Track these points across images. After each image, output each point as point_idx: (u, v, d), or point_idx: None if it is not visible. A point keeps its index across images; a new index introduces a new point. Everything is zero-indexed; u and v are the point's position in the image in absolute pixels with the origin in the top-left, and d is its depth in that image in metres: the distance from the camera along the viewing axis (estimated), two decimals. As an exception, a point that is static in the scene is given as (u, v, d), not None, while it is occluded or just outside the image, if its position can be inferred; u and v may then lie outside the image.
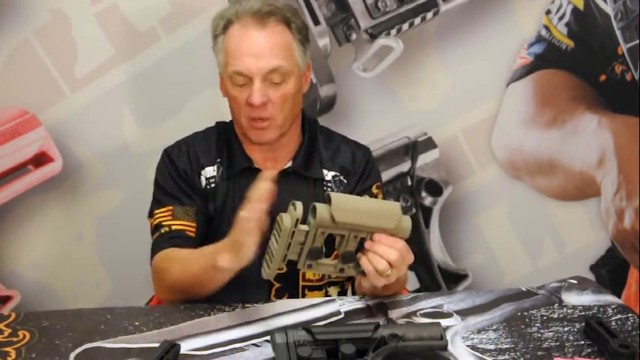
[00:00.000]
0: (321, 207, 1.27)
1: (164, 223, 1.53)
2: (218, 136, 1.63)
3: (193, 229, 1.54)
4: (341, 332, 1.21)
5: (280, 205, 1.58)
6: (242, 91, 1.50)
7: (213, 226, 1.60)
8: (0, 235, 2.12)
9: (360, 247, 1.32)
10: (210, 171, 1.60)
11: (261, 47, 1.48)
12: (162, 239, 1.52)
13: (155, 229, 1.55)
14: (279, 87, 1.50)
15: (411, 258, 1.34)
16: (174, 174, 1.58)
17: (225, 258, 1.29)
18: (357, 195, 1.61)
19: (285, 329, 1.21)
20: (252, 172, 1.59)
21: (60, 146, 2.08)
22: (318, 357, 1.17)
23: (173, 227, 1.53)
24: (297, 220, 1.26)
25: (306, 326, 1.22)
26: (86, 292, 2.19)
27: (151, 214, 1.58)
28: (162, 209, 1.56)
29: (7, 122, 2.05)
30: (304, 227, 1.27)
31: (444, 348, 1.24)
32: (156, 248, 1.52)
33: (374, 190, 1.64)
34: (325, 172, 1.62)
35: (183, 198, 1.56)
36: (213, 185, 1.59)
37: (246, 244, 1.25)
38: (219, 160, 1.60)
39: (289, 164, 1.60)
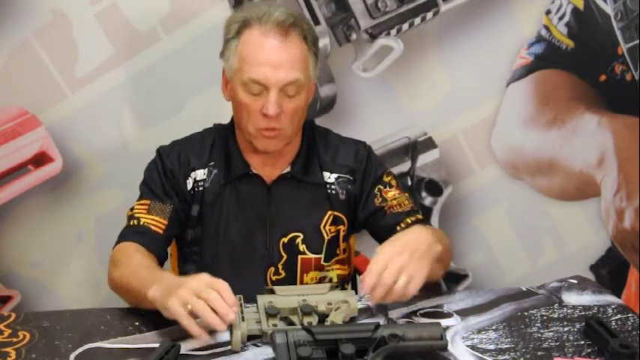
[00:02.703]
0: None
1: (136, 215, 1.55)
2: (215, 139, 1.62)
3: (163, 226, 1.54)
4: (341, 332, 1.21)
5: (280, 211, 1.58)
6: (255, 99, 1.48)
7: (201, 227, 1.60)
8: (0, 235, 2.13)
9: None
10: (200, 174, 1.59)
11: (282, 59, 1.47)
12: (129, 231, 1.54)
13: (128, 219, 1.57)
14: (293, 99, 1.49)
15: (408, 258, 1.29)
16: (161, 171, 1.59)
17: (152, 295, 1.30)
18: (371, 187, 1.62)
19: (285, 329, 1.21)
20: (249, 177, 1.59)
21: (60, 146, 2.08)
22: (318, 357, 1.16)
23: (142, 221, 1.54)
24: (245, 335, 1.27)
25: (306, 326, 1.22)
26: (86, 292, 2.19)
27: (132, 206, 1.60)
28: (141, 201, 1.58)
29: (7, 122, 2.05)
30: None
31: (444, 348, 1.24)
32: (120, 237, 1.54)
33: (385, 178, 1.63)
34: (327, 175, 1.61)
35: (162, 195, 1.57)
36: (201, 188, 1.59)
37: (173, 315, 1.26)
38: (212, 163, 1.60)
39: (287, 169, 1.60)
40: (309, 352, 1.15)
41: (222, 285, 1.25)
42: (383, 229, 1.59)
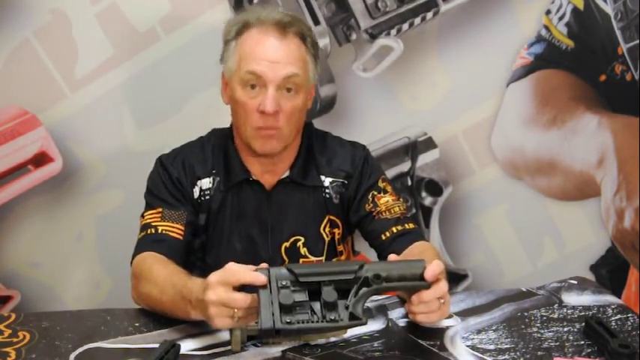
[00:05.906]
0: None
1: (152, 224, 1.52)
2: (215, 145, 1.62)
3: (181, 232, 1.52)
4: (324, 274, 1.19)
5: (280, 216, 1.58)
6: (253, 97, 1.48)
7: (206, 236, 1.59)
8: (0, 235, 2.13)
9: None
10: (206, 183, 1.58)
11: (279, 55, 1.48)
12: (146, 240, 1.50)
13: (142, 228, 1.54)
14: (291, 97, 1.49)
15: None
16: (167, 181, 1.57)
17: (197, 316, 1.28)
18: (365, 192, 1.61)
19: (267, 269, 1.19)
20: (249, 184, 1.58)
21: (60, 146, 2.08)
22: (300, 300, 1.16)
23: (160, 229, 1.51)
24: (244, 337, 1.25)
25: (288, 266, 1.20)
26: (86, 292, 2.19)
27: (142, 216, 1.57)
28: (152, 211, 1.55)
29: (7, 122, 2.05)
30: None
31: (426, 287, 1.23)
32: (138, 249, 1.50)
33: (380, 184, 1.63)
34: (323, 178, 1.62)
35: (173, 202, 1.55)
36: (207, 197, 1.58)
37: (213, 324, 1.23)
38: (214, 171, 1.59)
39: (286, 173, 1.60)
40: (292, 300, 1.14)
41: (233, 273, 1.22)
42: (370, 234, 1.59)
